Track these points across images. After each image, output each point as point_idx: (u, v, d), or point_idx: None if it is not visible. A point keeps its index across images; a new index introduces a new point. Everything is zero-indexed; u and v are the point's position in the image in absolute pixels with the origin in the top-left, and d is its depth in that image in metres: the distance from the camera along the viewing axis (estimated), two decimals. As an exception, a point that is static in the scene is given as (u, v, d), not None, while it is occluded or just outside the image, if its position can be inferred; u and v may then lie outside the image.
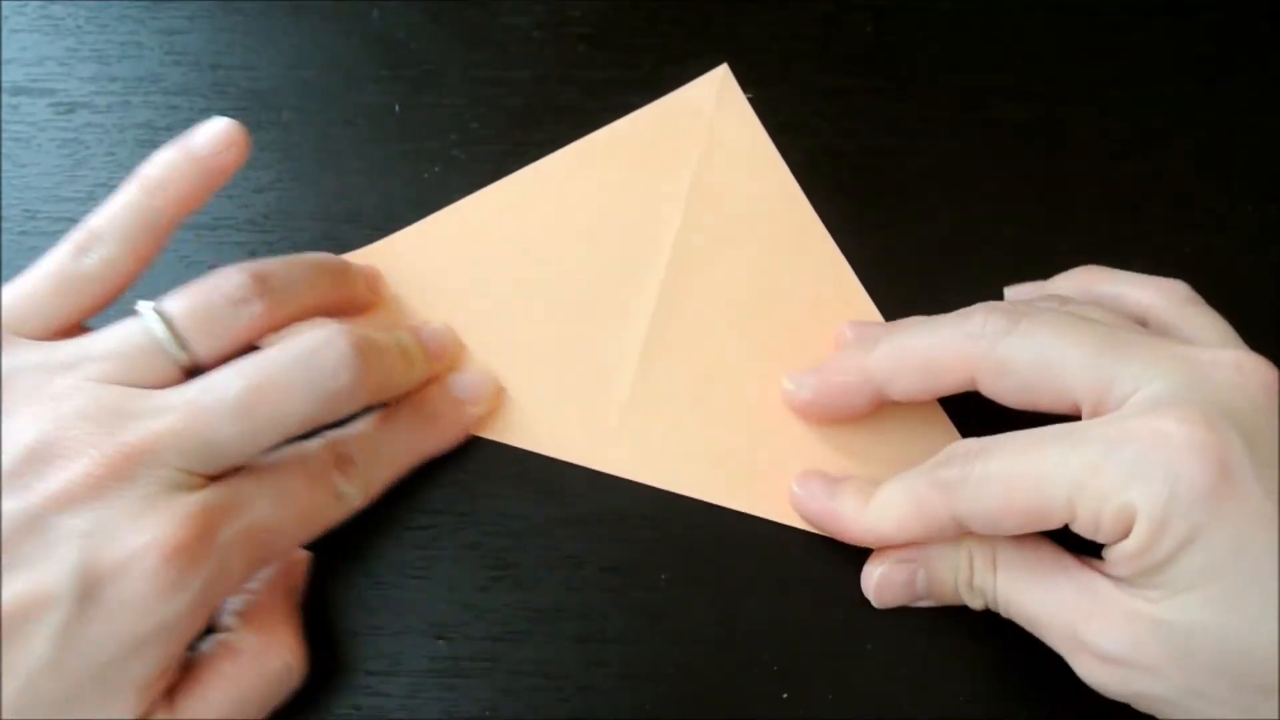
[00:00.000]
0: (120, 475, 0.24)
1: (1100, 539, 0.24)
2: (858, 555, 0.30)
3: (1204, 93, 0.35)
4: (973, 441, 0.26)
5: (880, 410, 0.30)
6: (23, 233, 0.33)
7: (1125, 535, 0.24)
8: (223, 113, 0.34)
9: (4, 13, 0.36)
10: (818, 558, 0.30)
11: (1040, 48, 0.36)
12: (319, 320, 0.29)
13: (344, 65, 0.35)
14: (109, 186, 0.34)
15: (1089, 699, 0.26)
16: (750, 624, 0.29)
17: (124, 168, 0.34)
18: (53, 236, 0.33)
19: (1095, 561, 0.26)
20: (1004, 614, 0.27)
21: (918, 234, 0.34)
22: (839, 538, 0.29)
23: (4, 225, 0.34)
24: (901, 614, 0.29)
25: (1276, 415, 0.24)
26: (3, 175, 0.34)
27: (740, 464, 0.31)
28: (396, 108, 0.34)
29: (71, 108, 0.35)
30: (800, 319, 0.33)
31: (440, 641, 0.29)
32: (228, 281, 0.27)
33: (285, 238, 0.33)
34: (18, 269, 0.33)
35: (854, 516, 0.28)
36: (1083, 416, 0.26)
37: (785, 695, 0.29)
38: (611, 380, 0.32)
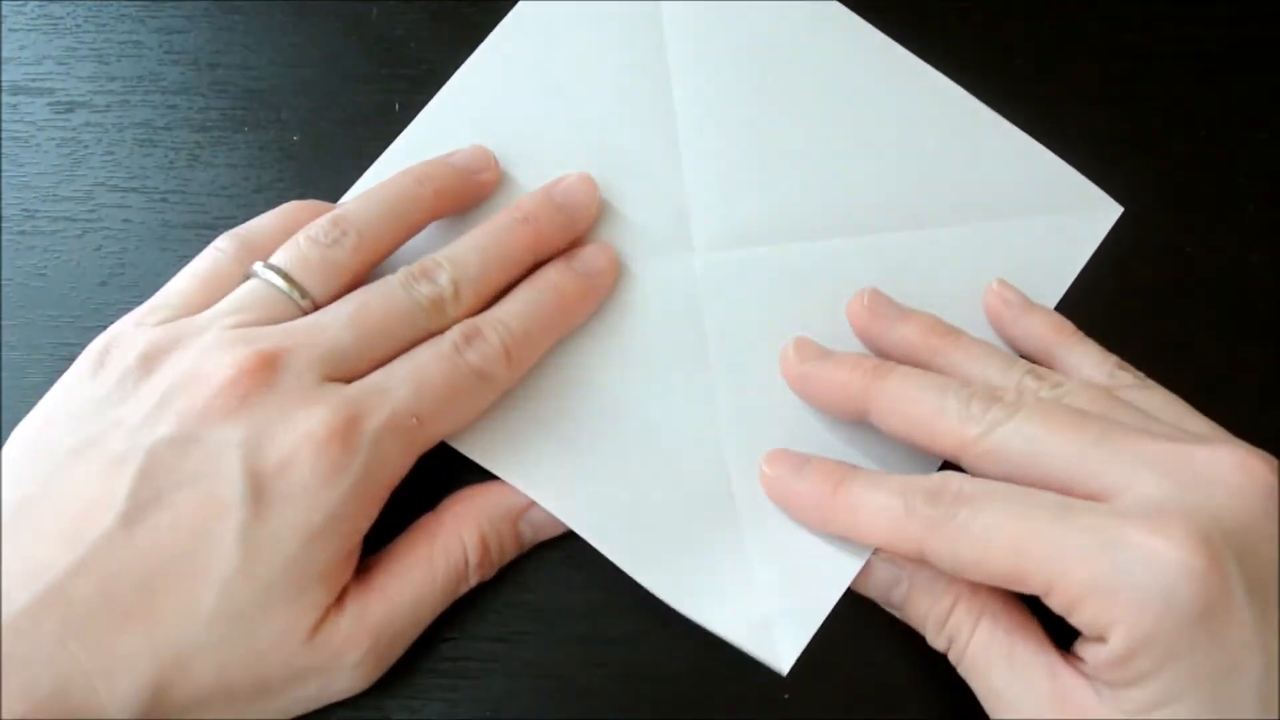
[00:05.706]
0: (262, 382, 0.26)
1: (1069, 621, 0.24)
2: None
3: (1204, 93, 0.35)
4: (965, 482, 0.25)
5: None
6: (22, 232, 0.33)
7: (1098, 633, 0.23)
8: (221, 111, 0.35)
9: (4, 12, 0.36)
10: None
11: (1040, 48, 0.36)
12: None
13: (344, 65, 0.35)
14: (108, 186, 0.34)
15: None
16: (750, 624, 0.29)
17: (123, 167, 0.34)
18: (52, 235, 0.33)
19: (1076, 661, 0.25)
20: (963, 672, 0.27)
21: (918, 234, 0.34)
22: (815, 524, 0.28)
23: (4, 225, 0.34)
24: (902, 614, 0.30)
25: (1276, 521, 0.24)
26: (2, 174, 0.34)
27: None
28: (396, 107, 0.34)
29: (70, 107, 0.35)
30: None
31: (440, 642, 0.29)
32: (313, 229, 0.29)
33: (285, 237, 0.33)
34: (17, 268, 0.33)
35: (847, 510, 0.27)
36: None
37: (785, 695, 0.29)
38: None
